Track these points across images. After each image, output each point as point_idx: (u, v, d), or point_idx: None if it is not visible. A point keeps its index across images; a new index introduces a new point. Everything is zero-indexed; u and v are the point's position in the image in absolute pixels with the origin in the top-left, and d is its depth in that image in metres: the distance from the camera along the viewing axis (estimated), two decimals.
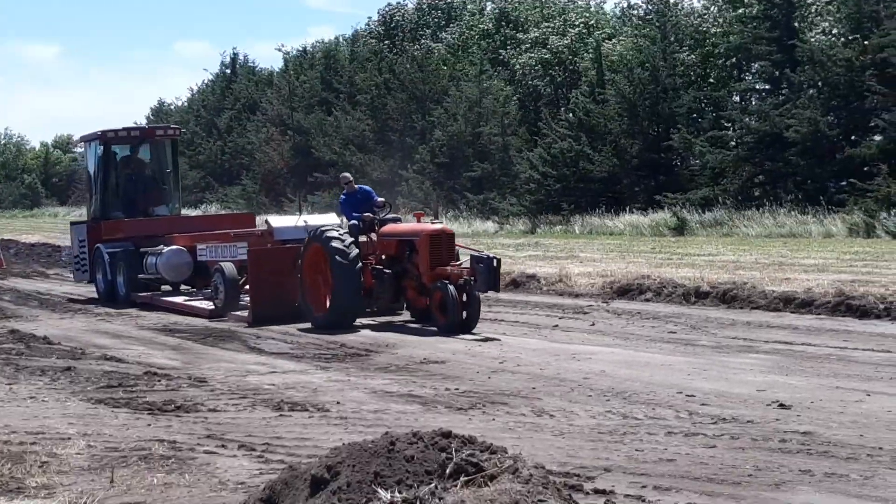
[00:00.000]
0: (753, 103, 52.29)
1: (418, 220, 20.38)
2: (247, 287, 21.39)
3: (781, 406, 11.85)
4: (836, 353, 15.42)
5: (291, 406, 12.44)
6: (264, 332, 19.52)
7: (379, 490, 5.45)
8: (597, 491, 8.60)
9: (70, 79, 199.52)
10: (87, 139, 29.49)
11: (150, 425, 11.53)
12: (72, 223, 30.36)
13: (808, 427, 10.80)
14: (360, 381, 14.47)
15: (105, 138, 27.52)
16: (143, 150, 28.64)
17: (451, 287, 17.81)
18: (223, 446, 10.43)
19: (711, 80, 57.93)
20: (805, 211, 43.18)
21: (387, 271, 19.41)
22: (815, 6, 54.93)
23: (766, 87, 52.94)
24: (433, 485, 5.45)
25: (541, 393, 13.09)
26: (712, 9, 62.85)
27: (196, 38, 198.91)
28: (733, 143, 49.88)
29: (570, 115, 59.30)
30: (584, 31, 69.87)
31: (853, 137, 46.56)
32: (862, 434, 10.44)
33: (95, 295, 26.99)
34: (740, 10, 57.47)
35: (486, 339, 17.68)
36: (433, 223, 20.36)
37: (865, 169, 43.91)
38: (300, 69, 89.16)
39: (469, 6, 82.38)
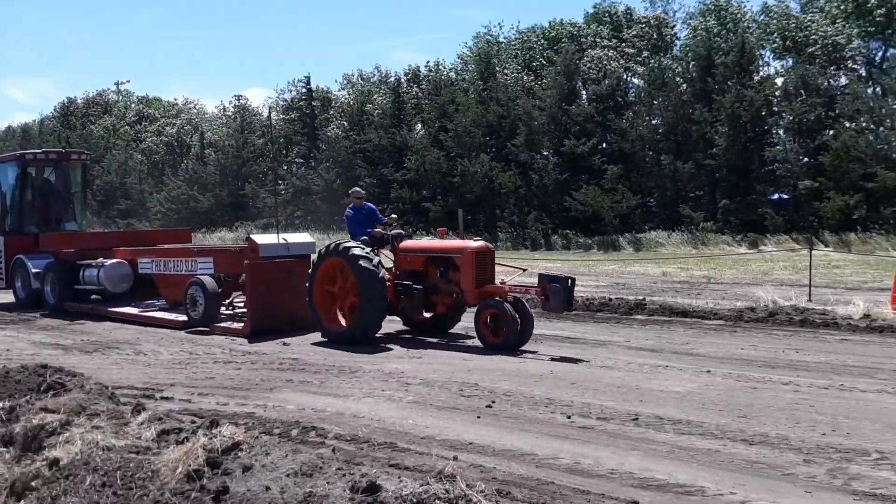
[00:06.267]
0: (294, 169, 52.76)
1: (442, 237, 13.43)
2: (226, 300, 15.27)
3: (284, 344, 12.11)
4: None
5: None
6: None
7: None
8: (163, 397, 8.54)
9: None
10: (3, 160, 20.11)
11: None
12: None
13: (296, 356, 11.07)
14: (26, 335, 13.52)
15: (24, 160, 19.26)
16: (53, 173, 19.83)
17: (508, 305, 11.45)
18: None
19: (271, 155, 57.92)
20: (322, 231, 44.87)
21: (416, 287, 12.47)
22: (331, 111, 56.31)
23: (301, 160, 53.68)
24: (28, 396, 5.25)
25: (141, 341, 12.71)
26: (274, 112, 62.63)
27: None
28: (283, 192, 50.21)
29: (185, 173, 57.83)
30: (191, 121, 68.08)
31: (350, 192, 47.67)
32: (325, 358, 10.81)
33: (13, 300, 18.21)
34: (290, 115, 57.86)
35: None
36: (474, 240, 12.74)
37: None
38: (5, 142, 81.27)
39: (119, 103, 78.09)
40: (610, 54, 45.56)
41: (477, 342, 11.69)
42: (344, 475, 3.84)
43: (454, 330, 13.02)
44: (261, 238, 14.13)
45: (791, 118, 35.19)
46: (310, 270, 13.12)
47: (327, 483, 3.72)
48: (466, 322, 12.63)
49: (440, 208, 42.23)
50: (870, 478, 5.70)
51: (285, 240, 14.12)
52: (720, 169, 36.39)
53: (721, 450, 6.38)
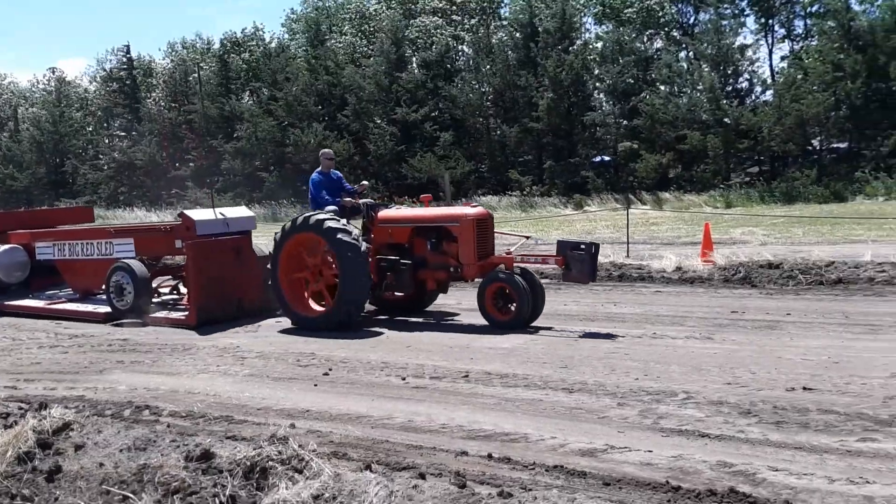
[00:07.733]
0: (117, 142, 50.71)
1: (426, 205, 11.82)
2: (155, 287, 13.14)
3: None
4: None
5: None
6: None
7: None
8: None
9: None
10: None
11: None
12: None
13: (126, 336, 10.84)
14: None
15: None
16: None
17: (519, 277, 10.07)
18: None
19: (91, 128, 55.29)
20: (147, 209, 43.44)
21: (404, 262, 10.90)
22: (153, 80, 54.37)
23: (123, 133, 51.53)
24: None
25: None
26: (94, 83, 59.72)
27: None
28: (105, 168, 48.22)
29: None
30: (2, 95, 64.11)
31: (177, 164, 46.31)
32: (157, 337, 10.61)
33: None
34: (110, 86, 55.45)
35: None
36: (471, 205, 11.20)
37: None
38: None
39: None
40: (438, 21, 46.04)
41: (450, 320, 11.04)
42: (178, 446, 3.94)
43: (433, 308, 11.89)
44: (196, 213, 12.18)
45: (609, 82, 36.77)
46: (270, 249, 11.52)
47: (161, 455, 3.82)
48: (444, 299, 12.13)
49: (275, 179, 41.74)
50: (676, 416, 6.23)
51: (223, 214, 12.28)
52: (546, 134, 37.64)
53: (543, 399, 6.82)
